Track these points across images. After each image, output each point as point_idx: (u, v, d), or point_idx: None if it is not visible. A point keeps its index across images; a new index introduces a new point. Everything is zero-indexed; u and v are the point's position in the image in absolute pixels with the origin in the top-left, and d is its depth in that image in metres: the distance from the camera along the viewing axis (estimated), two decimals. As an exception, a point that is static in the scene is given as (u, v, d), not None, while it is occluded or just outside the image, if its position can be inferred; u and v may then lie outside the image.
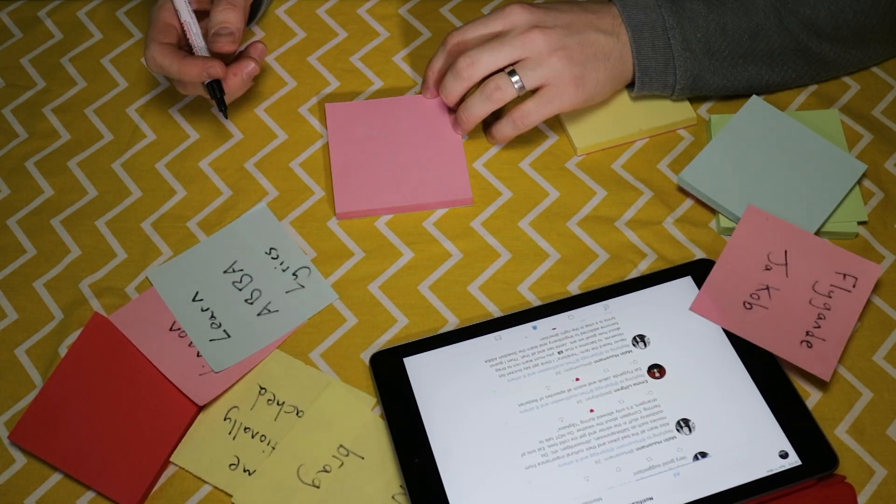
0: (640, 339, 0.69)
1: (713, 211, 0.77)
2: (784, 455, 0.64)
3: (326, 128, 0.82)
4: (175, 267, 0.76)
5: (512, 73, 0.74)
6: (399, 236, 0.77)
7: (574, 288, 0.74)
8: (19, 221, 0.80)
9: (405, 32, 0.89)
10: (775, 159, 0.77)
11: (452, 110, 0.80)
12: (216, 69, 0.73)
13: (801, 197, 0.75)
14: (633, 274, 0.75)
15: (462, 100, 0.78)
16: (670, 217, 0.77)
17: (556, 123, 0.83)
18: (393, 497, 0.65)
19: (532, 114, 0.76)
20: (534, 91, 0.75)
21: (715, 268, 0.72)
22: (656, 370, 0.68)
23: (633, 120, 0.81)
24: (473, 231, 0.77)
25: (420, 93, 0.83)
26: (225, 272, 0.75)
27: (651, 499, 0.62)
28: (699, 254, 0.75)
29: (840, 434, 0.67)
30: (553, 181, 0.80)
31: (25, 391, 0.71)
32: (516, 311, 0.72)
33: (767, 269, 0.72)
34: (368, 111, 0.82)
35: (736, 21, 0.76)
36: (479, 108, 0.76)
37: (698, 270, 0.73)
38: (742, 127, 0.78)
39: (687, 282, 0.72)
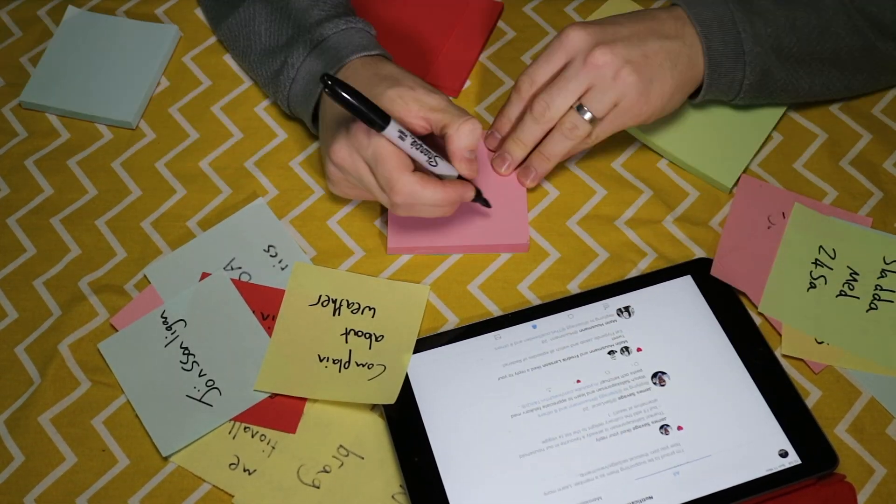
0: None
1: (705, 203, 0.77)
2: (784, 454, 0.64)
3: None
4: (173, 263, 0.76)
5: (580, 107, 0.72)
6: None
7: (574, 287, 0.74)
8: (19, 221, 0.80)
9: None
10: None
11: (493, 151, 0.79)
12: (471, 192, 0.71)
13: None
14: (633, 273, 0.75)
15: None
16: (670, 216, 0.77)
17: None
18: (393, 497, 0.65)
19: (599, 135, 0.74)
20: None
21: (723, 235, 0.75)
22: (658, 372, 0.68)
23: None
24: (473, 230, 0.77)
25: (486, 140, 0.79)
26: (223, 269, 0.75)
27: (651, 498, 0.62)
28: (699, 253, 0.75)
29: (840, 433, 0.67)
30: (553, 180, 0.80)
31: (25, 389, 0.71)
32: (516, 310, 0.72)
33: (769, 228, 0.75)
34: None
35: (805, 18, 0.75)
36: (558, 148, 0.74)
37: (698, 269, 0.73)
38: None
39: (687, 281, 0.72)
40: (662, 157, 0.81)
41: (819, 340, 0.70)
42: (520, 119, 0.76)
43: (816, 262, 0.73)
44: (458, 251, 0.76)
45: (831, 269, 0.73)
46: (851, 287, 0.72)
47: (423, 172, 0.68)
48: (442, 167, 0.69)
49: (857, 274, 0.73)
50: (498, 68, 0.87)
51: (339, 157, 0.69)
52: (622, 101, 0.72)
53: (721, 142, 0.79)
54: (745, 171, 0.79)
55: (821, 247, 0.74)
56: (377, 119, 0.64)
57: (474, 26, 0.88)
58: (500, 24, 0.90)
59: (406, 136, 0.66)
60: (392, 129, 0.65)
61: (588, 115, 0.72)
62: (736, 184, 0.78)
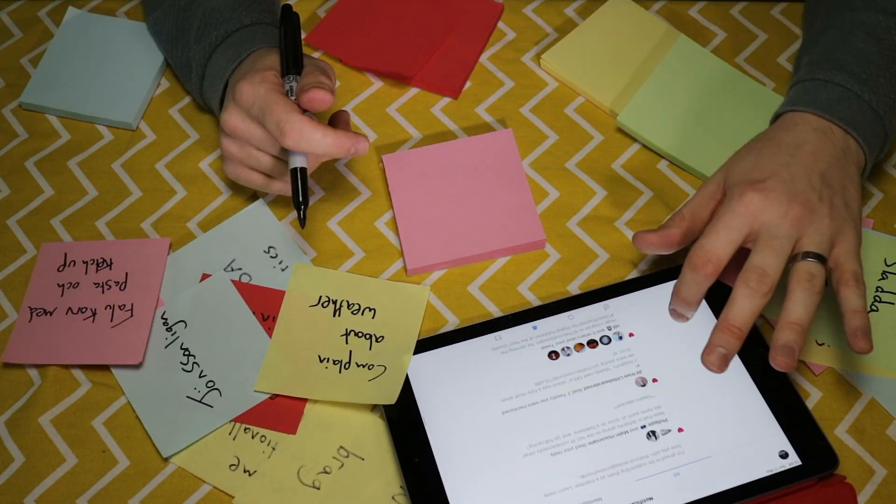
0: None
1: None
2: (784, 455, 0.64)
3: (386, 180, 0.79)
4: (174, 264, 0.76)
5: (806, 255, 0.64)
6: (399, 236, 0.77)
7: (574, 288, 0.74)
8: (19, 221, 0.80)
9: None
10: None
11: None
12: (365, 145, 0.68)
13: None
14: (633, 274, 0.75)
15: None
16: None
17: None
18: (393, 498, 0.65)
19: (856, 269, 0.65)
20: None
21: None
22: (656, 371, 0.68)
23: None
24: (473, 231, 0.77)
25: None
26: (224, 270, 0.75)
27: (651, 499, 0.62)
28: (699, 254, 0.75)
29: (840, 434, 0.67)
30: (553, 181, 0.80)
31: (25, 390, 0.71)
32: (516, 311, 0.72)
33: None
34: (424, 158, 0.79)
35: (868, 47, 0.73)
36: (808, 309, 0.63)
37: (698, 270, 0.73)
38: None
39: (687, 282, 0.72)
40: (663, 157, 0.81)
41: (819, 342, 0.70)
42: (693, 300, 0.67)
43: None
44: (476, 260, 0.75)
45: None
46: None
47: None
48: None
49: None
50: (498, 69, 0.87)
51: (230, 124, 0.70)
52: (839, 238, 0.65)
53: (720, 142, 0.79)
54: None
55: None
56: (299, 65, 0.70)
57: (474, 28, 0.88)
58: (501, 24, 0.90)
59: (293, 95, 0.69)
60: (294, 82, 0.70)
61: (821, 262, 0.64)
62: None
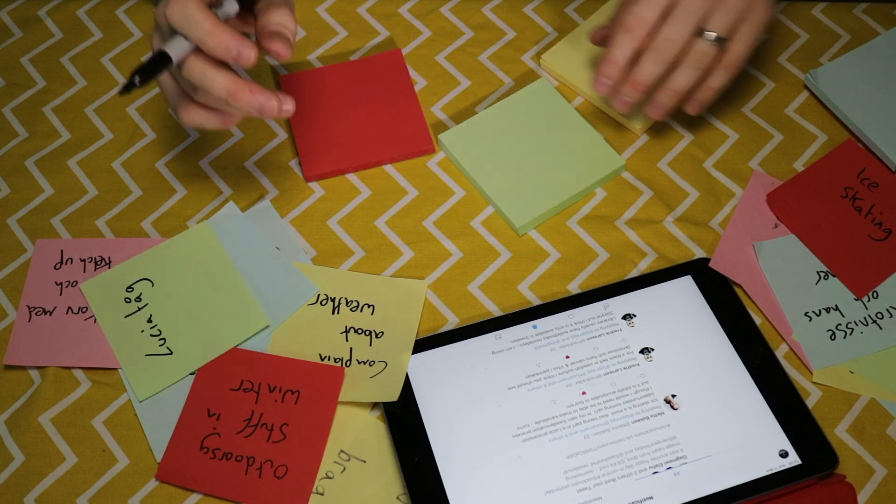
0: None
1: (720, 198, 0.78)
2: (784, 454, 0.64)
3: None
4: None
5: (700, 32, 0.72)
6: (399, 235, 0.77)
7: (574, 287, 0.74)
8: (19, 221, 0.80)
9: (406, 31, 0.90)
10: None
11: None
12: (249, 56, 0.61)
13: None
14: (634, 273, 0.75)
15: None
16: (670, 216, 0.77)
17: (556, 123, 0.83)
18: (398, 498, 0.65)
19: (741, 54, 0.73)
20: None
21: (728, 227, 0.75)
22: (649, 352, 0.68)
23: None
24: (473, 230, 0.78)
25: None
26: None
27: (651, 498, 0.62)
28: (699, 253, 0.75)
29: (840, 433, 0.67)
30: (553, 181, 0.80)
31: (25, 389, 0.71)
32: (516, 310, 0.72)
33: (776, 227, 0.75)
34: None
35: None
36: (686, 80, 0.74)
37: (698, 270, 0.73)
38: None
39: (687, 281, 0.72)
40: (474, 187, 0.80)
41: (851, 371, 0.69)
42: (631, 61, 0.74)
43: None
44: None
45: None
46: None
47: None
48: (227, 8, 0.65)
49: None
50: (498, 68, 0.87)
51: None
52: (748, 12, 0.72)
53: (529, 186, 0.78)
54: (541, 222, 0.77)
55: None
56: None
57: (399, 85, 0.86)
58: (501, 24, 0.90)
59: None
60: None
61: (714, 38, 0.71)
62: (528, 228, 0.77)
